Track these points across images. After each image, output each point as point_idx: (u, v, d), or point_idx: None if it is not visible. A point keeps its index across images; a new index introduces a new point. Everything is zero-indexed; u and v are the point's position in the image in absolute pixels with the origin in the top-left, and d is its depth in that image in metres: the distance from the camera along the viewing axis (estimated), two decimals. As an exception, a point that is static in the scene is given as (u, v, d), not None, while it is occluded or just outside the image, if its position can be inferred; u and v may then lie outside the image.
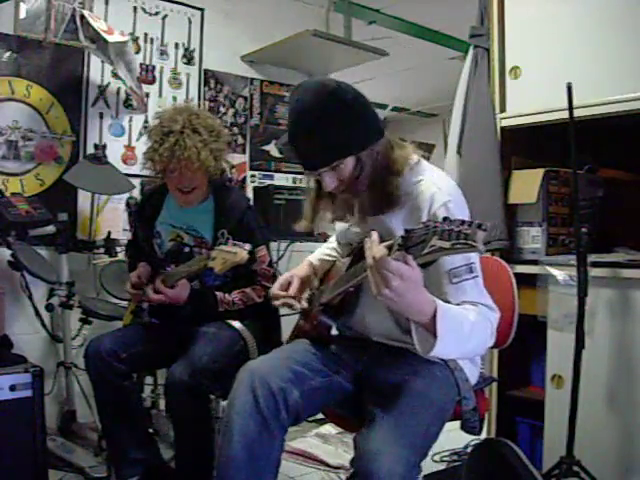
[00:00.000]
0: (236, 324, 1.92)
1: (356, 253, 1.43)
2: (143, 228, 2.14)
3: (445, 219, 1.00)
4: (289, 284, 1.57)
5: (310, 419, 2.98)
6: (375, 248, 1.11)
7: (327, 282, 1.59)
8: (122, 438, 1.95)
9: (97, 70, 2.97)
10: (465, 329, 1.21)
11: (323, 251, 1.76)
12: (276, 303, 1.57)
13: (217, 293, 1.93)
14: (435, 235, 1.00)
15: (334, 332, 1.58)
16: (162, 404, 2.60)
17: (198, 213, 2.01)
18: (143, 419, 2.07)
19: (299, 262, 1.74)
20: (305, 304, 1.55)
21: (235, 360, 1.84)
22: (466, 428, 1.46)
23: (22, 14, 2.72)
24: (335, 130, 1.31)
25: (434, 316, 1.15)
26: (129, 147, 3.08)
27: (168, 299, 1.88)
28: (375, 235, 1.14)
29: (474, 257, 1.32)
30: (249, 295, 1.96)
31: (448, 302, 1.25)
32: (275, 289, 1.57)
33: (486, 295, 1.34)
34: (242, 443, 1.28)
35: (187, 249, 1.98)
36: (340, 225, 1.61)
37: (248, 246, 1.63)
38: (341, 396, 1.49)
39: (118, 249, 2.81)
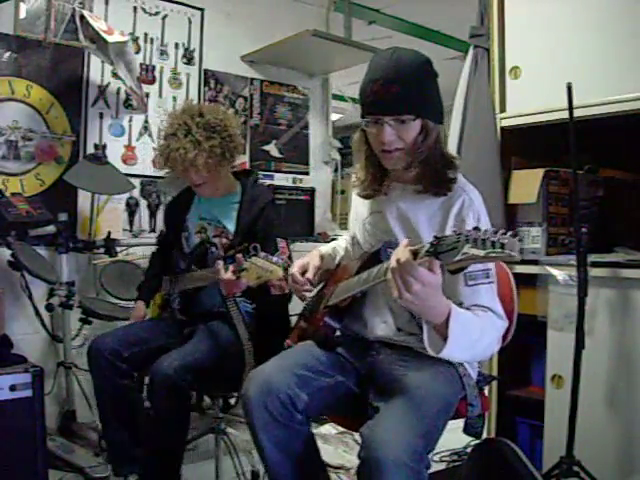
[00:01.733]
0: (237, 323, 1.91)
1: (368, 258, 1.44)
2: (174, 223, 2.21)
3: (476, 228, 1.03)
4: (305, 271, 1.60)
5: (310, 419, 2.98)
6: (401, 252, 1.13)
7: (333, 284, 1.59)
8: (121, 436, 1.97)
9: (97, 70, 2.97)
10: (474, 335, 1.26)
11: (333, 246, 1.77)
12: (294, 286, 1.59)
13: None
14: (467, 243, 1.01)
15: (337, 333, 1.58)
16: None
17: (224, 205, 2.08)
18: (142, 418, 2.07)
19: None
20: (312, 294, 1.57)
21: (229, 361, 1.85)
22: (469, 432, 1.46)
23: (22, 14, 2.72)
24: (423, 88, 1.38)
25: (447, 318, 1.19)
26: (129, 147, 3.08)
27: (236, 286, 1.80)
28: (406, 241, 1.18)
29: (491, 263, 1.34)
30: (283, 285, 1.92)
31: (461, 303, 1.29)
32: (296, 273, 1.59)
33: (498, 302, 1.37)
34: (276, 450, 1.36)
35: (214, 251, 2.00)
36: (355, 221, 1.62)
37: (280, 260, 1.64)
38: (346, 396, 1.50)
39: (118, 249, 2.81)
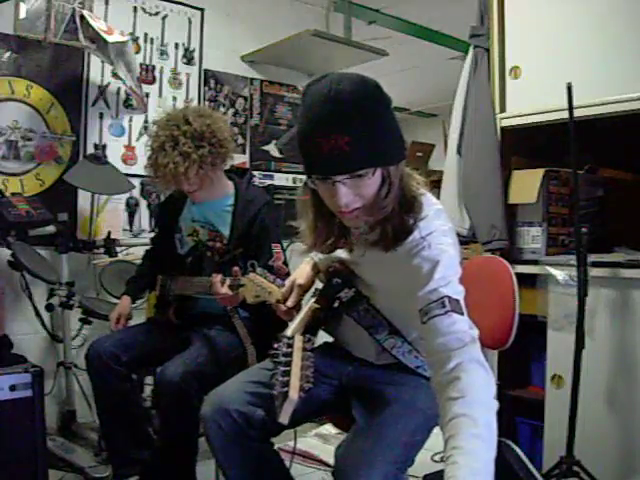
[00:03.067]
0: (240, 329, 1.91)
1: (324, 288, 1.41)
2: (165, 224, 2.18)
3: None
4: (290, 291, 1.47)
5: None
6: None
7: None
8: (121, 438, 1.97)
9: (97, 70, 2.96)
10: (488, 466, 1.02)
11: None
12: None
13: None
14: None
15: (330, 339, 1.56)
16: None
17: (218, 208, 2.04)
18: (143, 419, 2.08)
19: (298, 262, 1.73)
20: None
21: (231, 366, 1.84)
22: None
23: (22, 14, 2.72)
24: (377, 128, 1.11)
25: None
26: (129, 147, 3.08)
27: (233, 300, 1.81)
28: None
29: (449, 290, 1.15)
30: None
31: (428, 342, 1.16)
32: (279, 304, 1.50)
33: (464, 325, 1.13)
34: (237, 469, 1.35)
35: (216, 257, 1.98)
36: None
37: (280, 281, 1.59)
38: (322, 405, 1.48)
39: (118, 249, 2.81)
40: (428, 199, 1.26)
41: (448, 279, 1.16)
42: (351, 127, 1.08)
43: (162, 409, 1.86)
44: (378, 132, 1.12)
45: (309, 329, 1.39)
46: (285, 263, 1.98)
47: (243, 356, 1.87)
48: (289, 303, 1.44)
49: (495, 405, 1.06)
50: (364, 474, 1.15)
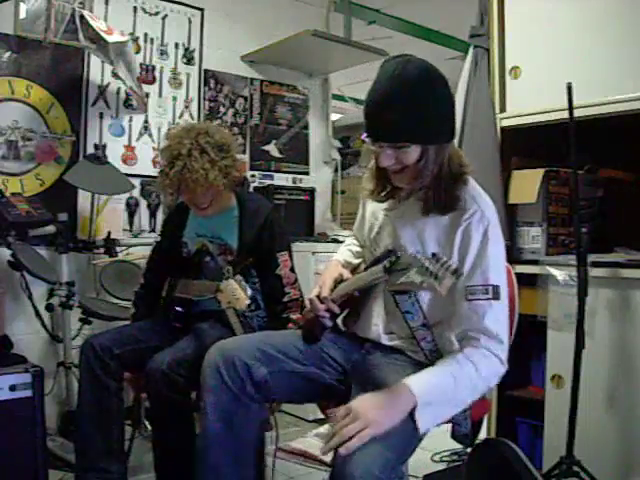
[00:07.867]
0: (235, 324, 1.90)
1: (371, 264, 1.41)
2: (169, 238, 2.17)
3: (434, 255, 1.05)
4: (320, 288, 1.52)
5: (310, 419, 2.98)
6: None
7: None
8: (93, 441, 1.91)
9: (97, 70, 2.97)
10: (447, 395, 1.25)
11: (348, 248, 1.70)
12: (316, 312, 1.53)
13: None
14: (415, 268, 1.04)
15: (343, 328, 1.58)
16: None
17: (223, 221, 2.03)
18: (119, 429, 2.00)
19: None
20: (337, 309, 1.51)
21: None
22: (456, 440, 1.44)
23: (22, 14, 2.72)
24: (421, 112, 1.28)
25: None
26: (129, 147, 3.09)
27: None
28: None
29: (495, 280, 1.31)
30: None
31: (462, 316, 1.32)
32: (314, 298, 1.51)
33: (499, 324, 1.32)
34: (217, 415, 1.35)
35: (212, 263, 2.00)
36: (360, 226, 1.62)
37: (250, 291, 1.69)
38: (324, 389, 1.49)
39: (118, 249, 2.81)
40: (469, 179, 1.41)
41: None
42: (399, 106, 1.26)
43: (152, 401, 1.85)
44: (422, 115, 1.28)
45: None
46: (292, 270, 1.99)
47: None
48: (324, 292, 1.49)
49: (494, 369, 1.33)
50: (363, 460, 1.11)
